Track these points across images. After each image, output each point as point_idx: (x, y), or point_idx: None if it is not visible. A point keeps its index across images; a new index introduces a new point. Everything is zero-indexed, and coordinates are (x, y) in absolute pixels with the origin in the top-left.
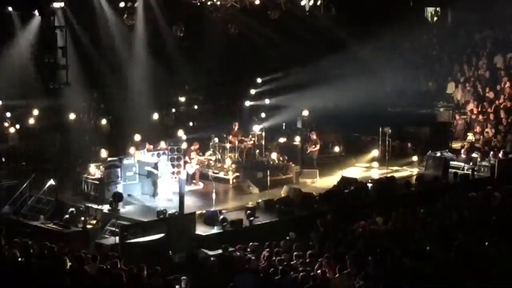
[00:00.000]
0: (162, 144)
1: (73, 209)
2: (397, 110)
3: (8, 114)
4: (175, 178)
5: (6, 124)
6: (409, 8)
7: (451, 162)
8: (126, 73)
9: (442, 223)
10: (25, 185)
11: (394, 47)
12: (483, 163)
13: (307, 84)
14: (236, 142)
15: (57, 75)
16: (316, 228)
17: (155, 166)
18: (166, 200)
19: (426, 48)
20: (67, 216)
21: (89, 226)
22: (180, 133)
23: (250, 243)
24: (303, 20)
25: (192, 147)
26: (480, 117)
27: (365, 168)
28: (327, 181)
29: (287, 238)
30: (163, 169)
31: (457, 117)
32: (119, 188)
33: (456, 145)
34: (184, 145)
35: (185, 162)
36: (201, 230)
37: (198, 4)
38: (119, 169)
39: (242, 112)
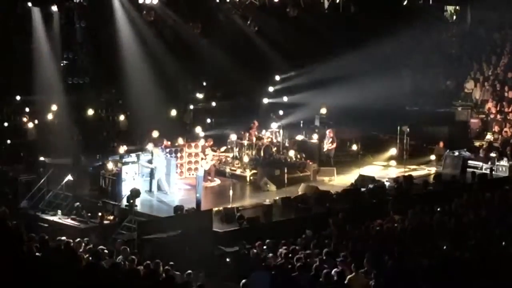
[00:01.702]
0: (180, 141)
1: (78, 203)
2: (415, 109)
3: (27, 109)
4: (192, 174)
5: (24, 119)
6: (428, 6)
7: (469, 162)
8: (144, 69)
9: (459, 222)
10: (43, 180)
11: (413, 45)
12: (501, 162)
13: (325, 82)
14: (254, 140)
15: (76, 70)
16: (329, 226)
17: (150, 161)
18: (162, 193)
19: (445, 46)
20: (74, 211)
21: (106, 222)
22: (198, 129)
23: (267, 240)
24: (322, 18)
25: (206, 144)
26: (499, 116)
27: (382, 167)
28: (345, 179)
29: (304, 235)
30: (160, 164)
31: (472, 116)
32: (137, 184)
33: (477, 143)
34: (201, 142)
35: (201, 159)
36: (218, 227)
37: (218, 1)
38: (136, 165)
39: (260, 110)
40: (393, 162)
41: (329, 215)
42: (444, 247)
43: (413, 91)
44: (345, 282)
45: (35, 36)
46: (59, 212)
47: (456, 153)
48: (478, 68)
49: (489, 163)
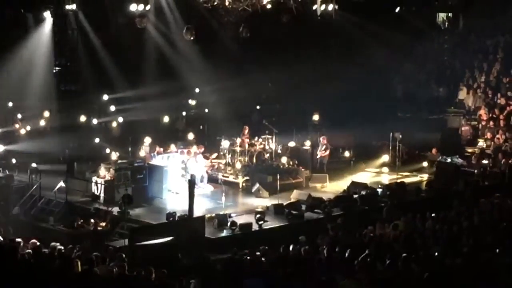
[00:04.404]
0: (172, 147)
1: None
2: (407, 116)
3: (19, 116)
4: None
5: (17, 125)
6: (420, 13)
7: (461, 168)
8: (137, 75)
9: (452, 229)
10: (35, 186)
11: (405, 52)
12: (494, 169)
13: (317, 88)
14: (246, 146)
15: (69, 77)
16: (325, 232)
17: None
18: (174, 193)
19: (438, 53)
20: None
21: (98, 228)
22: (190, 136)
23: (260, 247)
24: (314, 24)
25: (198, 150)
26: (491, 123)
27: (375, 173)
28: (337, 185)
29: (297, 242)
30: (173, 171)
31: (463, 123)
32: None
33: (469, 150)
34: (193, 149)
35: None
36: (211, 233)
37: (210, 7)
38: (129, 172)
39: (252, 116)
40: (385, 169)
41: (322, 222)
42: (436, 254)
43: (406, 98)
44: None
45: (28, 42)
46: (51, 218)
47: (449, 160)
48: (470, 75)
49: (481, 170)
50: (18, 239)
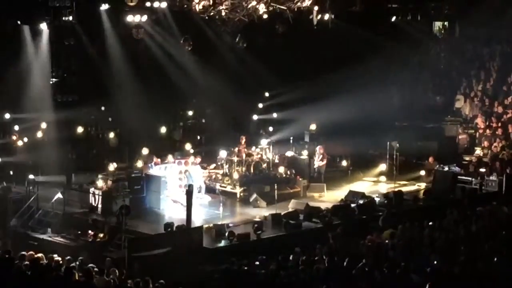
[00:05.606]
0: (170, 158)
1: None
2: (404, 124)
3: (16, 127)
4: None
5: (14, 137)
6: (416, 22)
7: (458, 177)
8: (134, 86)
9: (449, 237)
10: (32, 198)
11: (402, 61)
12: (491, 177)
13: (314, 98)
14: (244, 156)
15: (65, 88)
16: (323, 241)
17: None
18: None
19: (434, 62)
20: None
21: (96, 240)
22: (188, 146)
23: (258, 257)
24: (311, 34)
25: (195, 161)
26: (488, 131)
27: (372, 182)
28: (335, 195)
29: (294, 252)
30: (171, 181)
31: (460, 131)
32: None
33: (466, 159)
34: (191, 159)
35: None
36: (208, 243)
37: (206, 18)
38: (126, 182)
39: (249, 126)
40: (383, 178)
41: (320, 231)
42: (434, 263)
43: (402, 107)
44: None
45: (24, 54)
46: (49, 230)
47: (446, 169)
48: (467, 84)
49: (479, 178)
50: (17, 252)
